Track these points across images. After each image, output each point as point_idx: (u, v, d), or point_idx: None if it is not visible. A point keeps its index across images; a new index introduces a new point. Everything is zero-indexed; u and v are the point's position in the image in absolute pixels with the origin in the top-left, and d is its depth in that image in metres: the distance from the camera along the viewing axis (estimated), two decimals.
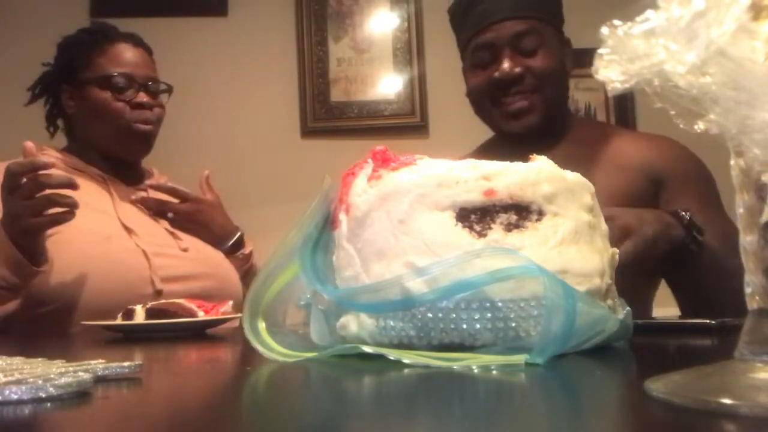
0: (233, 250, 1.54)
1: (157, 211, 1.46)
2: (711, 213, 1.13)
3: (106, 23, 1.62)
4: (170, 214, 1.46)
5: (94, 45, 1.49)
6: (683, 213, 1.02)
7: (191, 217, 1.48)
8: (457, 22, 1.32)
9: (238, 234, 1.55)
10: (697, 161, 1.21)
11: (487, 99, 1.26)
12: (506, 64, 1.21)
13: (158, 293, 1.28)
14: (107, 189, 1.45)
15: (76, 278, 1.26)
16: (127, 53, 1.50)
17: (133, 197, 1.45)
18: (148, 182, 1.54)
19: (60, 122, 1.57)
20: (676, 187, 1.19)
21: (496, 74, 1.22)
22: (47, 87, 1.55)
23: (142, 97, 1.48)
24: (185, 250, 1.41)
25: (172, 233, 1.43)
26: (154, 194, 1.51)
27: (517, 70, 1.21)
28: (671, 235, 1.00)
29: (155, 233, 1.41)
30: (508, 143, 1.30)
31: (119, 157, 1.52)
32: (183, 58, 2.41)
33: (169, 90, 1.56)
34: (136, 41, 1.54)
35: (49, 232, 1.29)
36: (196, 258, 1.41)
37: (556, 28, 1.27)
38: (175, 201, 1.49)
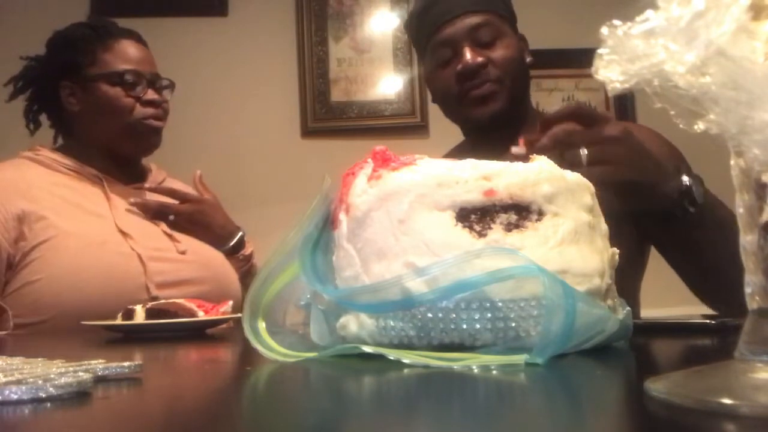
0: (234, 251, 1.53)
1: (157, 214, 1.45)
2: None
3: (104, 18, 1.60)
4: (171, 217, 1.46)
5: (98, 41, 1.47)
6: (687, 179, 0.96)
7: (192, 217, 1.47)
8: (415, 28, 1.34)
9: (240, 234, 1.54)
10: (671, 146, 1.19)
11: (452, 95, 1.27)
12: (468, 56, 1.22)
13: (153, 300, 1.26)
14: (103, 190, 1.43)
15: (70, 286, 1.25)
16: (132, 50, 1.49)
17: (131, 200, 1.44)
18: (146, 185, 1.52)
19: (45, 119, 1.55)
20: None
21: (459, 67, 1.23)
22: (33, 82, 1.52)
23: (152, 94, 1.47)
24: (183, 252, 1.40)
25: (169, 235, 1.42)
26: (152, 196, 1.50)
27: (480, 59, 1.22)
28: (658, 193, 0.94)
29: (152, 236, 1.39)
30: (474, 141, 1.33)
31: (125, 154, 1.50)
32: (183, 58, 2.41)
33: (172, 86, 1.55)
34: (137, 38, 1.53)
35: (43, 237, 1.28)
36: (194, 261, 1.40)
37: (511, 24, 1.29)
38: (174, 202, 1.48)
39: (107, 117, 1.45)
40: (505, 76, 1.24)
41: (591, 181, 0.92)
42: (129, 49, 1.49)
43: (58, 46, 1.50)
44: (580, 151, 0.90)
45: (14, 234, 1.29)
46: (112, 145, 1.48)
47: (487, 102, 1.24)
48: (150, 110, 1.47)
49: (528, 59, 1.31)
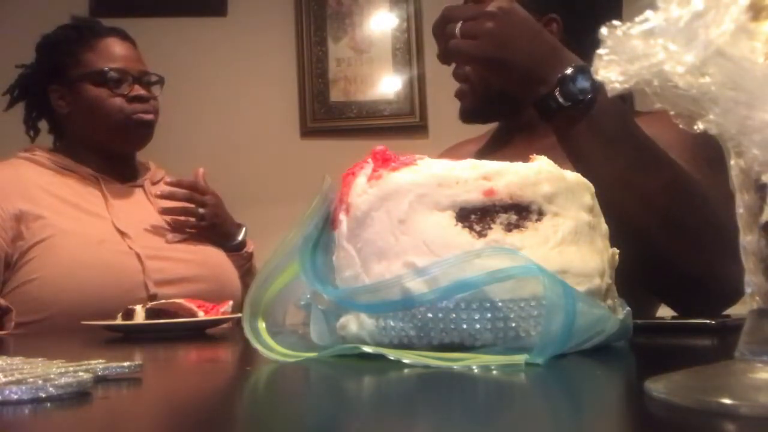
0: (240, 248, 1.53)
1: (188, 202, 1.44)
2: (702, 176, 0.96)
3: (89, 18, 1.60)
4: (202, 210, 1.45)
5: (81, 41, 1.46)
6: (570, 70, 0.85)
7: (216, 210, 1.47)
8: None
9: (244, 229, 1.55)
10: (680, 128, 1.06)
11: None
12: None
13: (152, 297, 1.26)
14: (100, 189, 1.43)
15: (68, 285, 1.25)
16: (117, 47, 1.48)
17: (167, 180, 1.44)
18: (160, 189, 1.49)
19: (43, 124, 1.55)
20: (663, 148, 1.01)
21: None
22: (27, 89, 1.52)
23: (138, 90, 1.46)
24: (183, 250, 1.40)
25: (169, 234, 1.42)
26: (166, 202, 1.50)
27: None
28: (533, 77, 0.86)
29: (151, 234, 1.40)
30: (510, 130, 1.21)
31: (118, 152, 1.49)
32: (182, 58, 2.41)
33: (161, 81, 1.54)
34: (122, 35, 1.51)
35: (41, 236, 1.28)
36: (193, 260, 1.40)
37: (531, 3, 1.10)
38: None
39: (95, 117, 1.45)
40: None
41: (456, 53, 0.89)
42: (112, 47, 1.47)
43: (45, 50, 1.50)
44: (458, 24, 0.87)
45: (12, 233, 1.29)
46: (104, 144, 1.47)
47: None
48: (137, 106, 1.45)
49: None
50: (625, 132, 0.88)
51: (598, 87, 0.85)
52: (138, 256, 1.32)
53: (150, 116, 1.48)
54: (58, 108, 1.47)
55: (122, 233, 1.35)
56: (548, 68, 0.86)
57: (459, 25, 0.87)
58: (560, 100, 0.85)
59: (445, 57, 0.92)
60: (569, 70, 0.85)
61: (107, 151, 1.48)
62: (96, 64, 1.44)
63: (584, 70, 0.85)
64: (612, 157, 0.86)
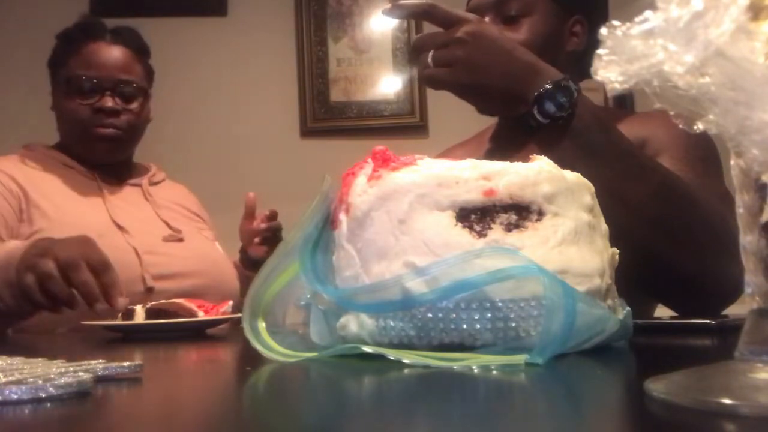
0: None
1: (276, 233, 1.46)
2: (696, 175, 0.98)
3: (94, 19, 1.55)
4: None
5: (71, 44, 1.44)
6: (548, 85, 0.85)
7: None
8: None
9: None
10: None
11: None
12: None
13: (149, 290, 1.27)
14: (97, 185, 1.43)
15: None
16: (100, 53, 1.42)
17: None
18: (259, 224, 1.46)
19: (45, 121, 1.55)
20: (656, 149, 1.03)
21: None
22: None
23: (107, 102, 1.40)
24: (180, 247, 1.40)
25: (168, 229, 1.43)
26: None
27: None
28: (510, 97, 0.86)
29: (148, 231, 1.40)
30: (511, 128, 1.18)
31: (91, 160, 1.46)
32: (182, 58, 2.41)
33: (140, 92, 1.46)
34: (116, 39, 1.45)
35: (38, 227, 1.28)
36: (190, 255, 1.40)
37: (560, 3, 1.14)
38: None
39: (64, 123, 1.44)
40: None
41: (430, 82, 0.89)
42: (95, 52, 1.42)
43: (55, 45, 1.50)
44: (430, 53, 0.87)
45: (17, 213, 1.30)
46: (78, 151, 1.45)
47: None
48: (100, 118, 1.40)
49: (571, 47, 1.14)
50: (608, 143, 0.88)
51: (576, 101, 0.85)
52: (135, 251, 1.32)
53: (112, 131, 1.41)
54: (55, 110, 1.47)
55: (120, 228, 1.35)
56: (525, 86, 0.86)
57: (431, 53, 0.87)
58: (539, 118, 0.85)
59: (422, 84, 0.92)
60: (546, 87, 0.85)
61: (80, 155, 1.46)
62: (73, 70, 1.41)
63: (561, 86, 0.85)
64: (597, 168, 0.85)
